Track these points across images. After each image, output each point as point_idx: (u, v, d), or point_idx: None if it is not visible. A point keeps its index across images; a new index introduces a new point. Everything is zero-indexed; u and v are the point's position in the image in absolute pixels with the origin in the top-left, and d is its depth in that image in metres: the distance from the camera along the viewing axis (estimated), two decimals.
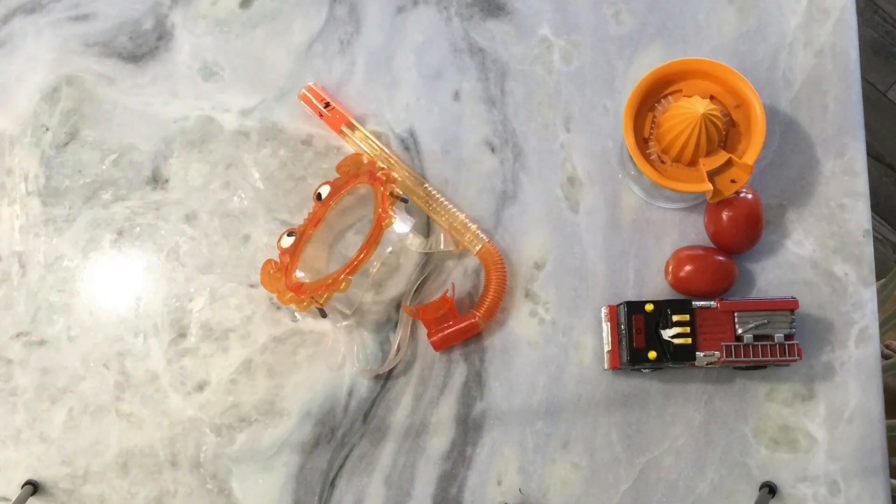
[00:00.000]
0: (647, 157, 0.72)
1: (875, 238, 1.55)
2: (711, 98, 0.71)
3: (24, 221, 0.80)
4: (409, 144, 0.80)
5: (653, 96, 0.72)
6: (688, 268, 0.73)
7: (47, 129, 0.82)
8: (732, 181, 0.70)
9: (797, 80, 0.78)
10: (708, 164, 0.70)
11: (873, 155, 1.60)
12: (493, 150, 0.79)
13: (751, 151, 0.70)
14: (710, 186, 0.69)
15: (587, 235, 0.77)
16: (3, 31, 0.84)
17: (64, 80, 0.82)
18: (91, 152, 0.81)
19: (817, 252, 0.75)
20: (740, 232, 0.73)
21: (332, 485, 0.75)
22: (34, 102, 0.82)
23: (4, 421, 0.77)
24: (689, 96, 0.71)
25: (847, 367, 0.74)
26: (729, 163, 0.70)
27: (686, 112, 0.68)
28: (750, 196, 0.73)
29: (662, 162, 0.72)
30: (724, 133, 0.70)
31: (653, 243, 0.77)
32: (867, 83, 1.62)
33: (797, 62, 0.79)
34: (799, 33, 0.79)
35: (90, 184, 0.81)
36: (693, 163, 0.71)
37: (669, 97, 0.72)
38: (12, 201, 0.81)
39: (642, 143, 0.72)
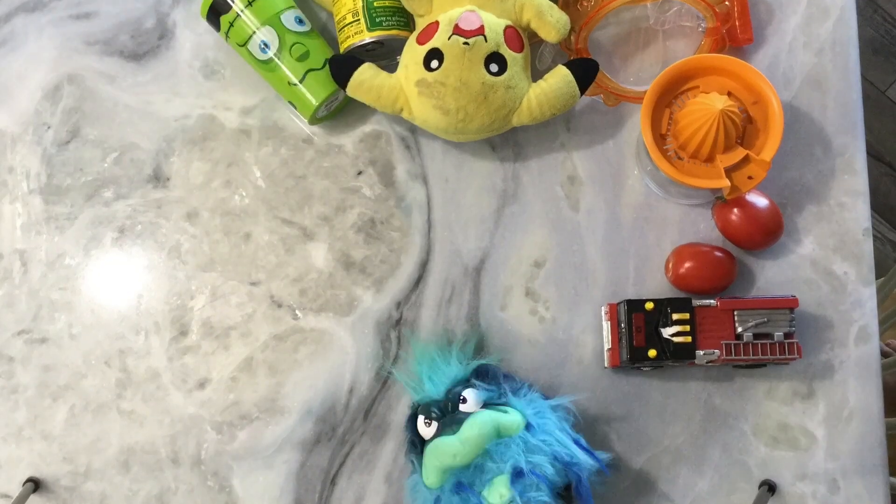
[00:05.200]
0: (664, 152, 0.72)
1: (874, 237, 1.55)
2: (729, 94, 0.72)
3: (26, 219, 0.80)
4: (410, 143, 0.80)
5: (670, 92, 0.73)
6: (688, 264, 0.73)
7: (49, 128, 0.82)
8: (749, 177, 0.70)
9: (797, 78, 0.79)
10: (725, 160, 0.70)
11: (873, 154, 1.60)
12: (493, 148, 0.79)
13: (768, 148, 0.70)
14: (727, 182, 0.69)
15: (587, 234, 0.77)
16: (4, 29, 0.84)
17: (65, 79, 0.83)
18: (92, 150, 0.81)
19: (817, 251, 0.76)
20: (766, 229, 0.73)
21: (333, 482, 0.75)
22: (36, 101, 0.82)
23: (6, 418, 0.77)
24: (707, 93, 0.71)
25: (846, 365, 0.74)
26: (746, 159, 0.70)
27: (704, 108, 0.68)
28: (764, 198, 0.73)
29: (679, 158, 0.72)
30: (741, 129, 0.70)
31: (653, 242, 0.77)
32: (867, 82, 1.62)
33: (797, 61, 0.79)
34: (799, 32, 0.79)
35: (92, 182, 0.81)
36: (710, 159, 0.71)
37: (687, 93, 0.73)
38: (14, 199, 0.81)
39: (659, 138, 0.72)
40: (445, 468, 0.63)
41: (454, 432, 0.64)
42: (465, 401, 0.66)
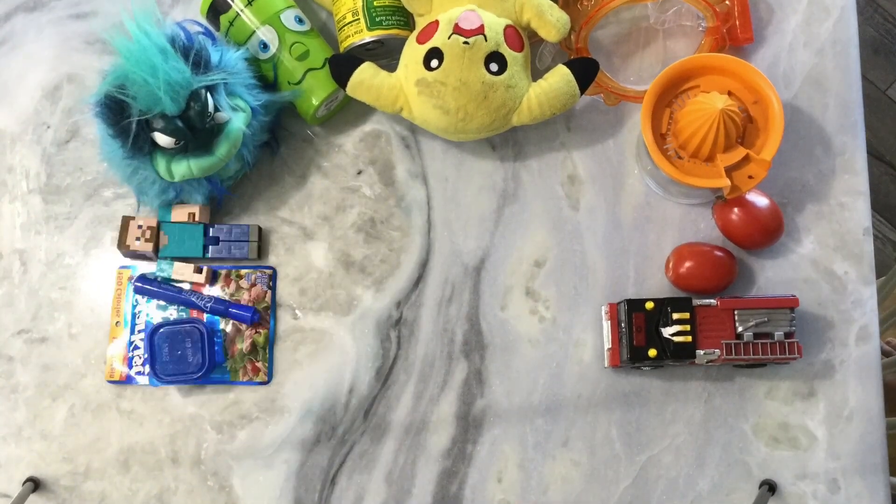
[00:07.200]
0: (664, 152, 0.72)
1: (875, 236, 1.55)
2: (729, 94, 0.72)
3: (26, 219, 0.80)
4: (410, 143, 0.80)
5: (670, 92, 0.73)
6: (688, 264, 0.73)
7: (48, 127, 0.82)
8: (750, 177, 0.70)
9: (797, 78, 0.78)
10: (725, 159, 0.70)
11: (873, 153, 1.60)
12: (493, 147, 0.79)
13: (769, 147, 0.70)
14: (727, 182, 0.69)
15: (588, 233, 0.77)
16: (4, 29, 0.84)
17: (65, 78, 0.83)
18: (92, 150, 0.81)
19: (817, 250, 0.76)
20: (766, 228, 0.73)
21: (333, 482, 0.75)
22: (35, 100, 0.82)
23: (6, 418, 0.77)
24: (707, 92, 0.71)
25: (847, 365, 0.74)
26: (746, 158, 0.70)
27: (704, 108, 0.68)
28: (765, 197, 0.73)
29: (679, 157, 0.72)
30: (741, 129, 0.70)
31: (653, 241, 0.77)
32: (867, 82, 1.62)
33: (797, 61, 0.79)
34: (799, 32, 0.79)
35: (91, 181, 0.81)
36: (710, 158, 0.71)
37: (687, 93, 0.73)
38: (13, 199, 0.81)
39: (660, 138, 0.72)
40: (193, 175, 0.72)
41: (208, 151, 0.71)
42: (212, 118, 0.70)
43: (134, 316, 0.77)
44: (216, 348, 0.76)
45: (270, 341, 0.76)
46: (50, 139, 0.81)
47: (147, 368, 0.75)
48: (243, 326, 0.76)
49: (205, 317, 0.77)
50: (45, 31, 0.83)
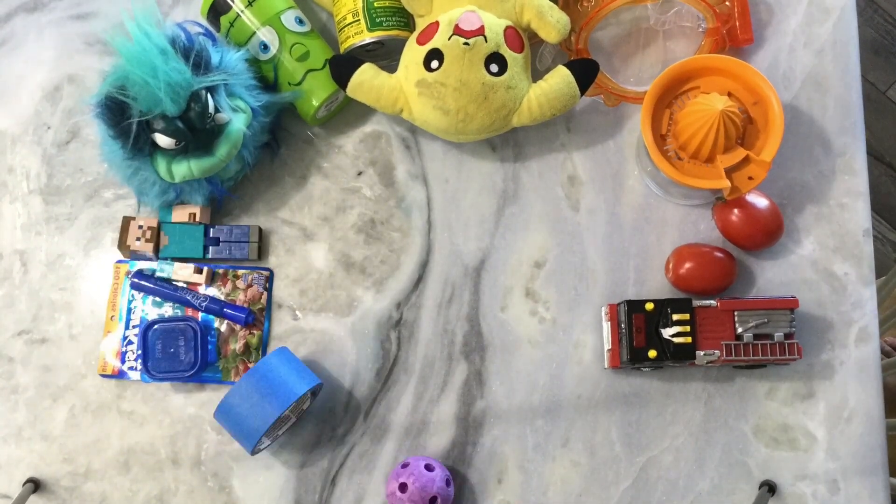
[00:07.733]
0: (664, 153, 0.72)
1: (874, 237, 1.55)
2: (729, 95, 0.72)
3: (26, 220, 0.80)
4: (410, 143, 0.80)
5: (670, 93, 0.73)
6: (688, 264, 0.73)
7: (49, 128, 0.82)
8: (750, 178, 0.70)
9: (797, 79, 0.79)
10: (725, 160, 0.70)
11: (873, 154, 1.60)
12: (493, 148, 0.79)
13: (768, 148, 0.70)
14: (727, 183, 0.69)
15: (588, 234, 0.77)
16: (4, 29, 0.84)
17: (65, 79, 0.83)
18: (92, 151, 0.81)
19: (817, 251, 0.76)
20: (766, 229, 0.73)
21: (333, 483, 0.75)
22: (36, 101, 0.82)
23: (6, 419, 0.77)
24: (707, 93, 0.71)
25: (847, 366, 0.74)
26: (746, 160, 0.70)
27: (704, 109, 0.68)
28: (764, 198, 0.73)
29: (679, 158, 0.72)
30: (741, 130, 0.70)
31: (653, 242, 0.77)
32: (867, 83, 1.62)
33: (797, 61, 0.79)
34: (799, 33, 0.79)
35: (91, 182, 0.81)
36: (710, 159, 0.71)
37: (687, 94, 0.73)
38: (14, 199, 0.81)
39: (660, 139, 0.72)
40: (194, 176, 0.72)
41: (209, 152, 0.71)
42: (213, 119, 0.70)
43: (129, 311, 0.77)
44: (209, 347, 0.76)
45: (264, 343, 0.76)
46: (50, 140, 0.81)
47: (140, 364, 0.75)
48: (237, 327, 0.76)
49: (199, 315, 0.77)
50: (45, 32, 0.83)
